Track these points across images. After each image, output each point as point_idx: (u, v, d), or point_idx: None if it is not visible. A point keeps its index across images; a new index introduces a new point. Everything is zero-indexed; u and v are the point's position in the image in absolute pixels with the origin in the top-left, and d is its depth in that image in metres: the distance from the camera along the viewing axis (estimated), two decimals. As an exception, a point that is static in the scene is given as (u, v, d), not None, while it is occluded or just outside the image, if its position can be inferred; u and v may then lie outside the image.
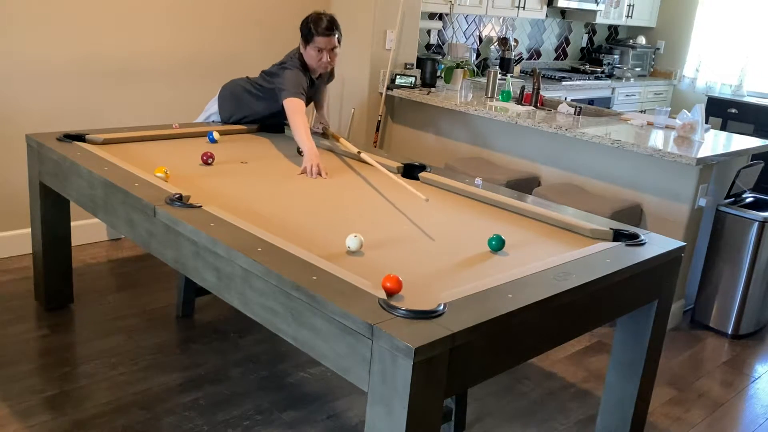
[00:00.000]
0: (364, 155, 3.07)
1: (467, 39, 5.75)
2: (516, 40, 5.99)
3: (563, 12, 6.45)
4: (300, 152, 3.16)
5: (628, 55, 6.80)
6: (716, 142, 3.66)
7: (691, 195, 3.40)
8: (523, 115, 3.95)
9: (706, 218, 3.64)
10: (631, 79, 6.54)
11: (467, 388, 2.55)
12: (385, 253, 2.08)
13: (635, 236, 2.32)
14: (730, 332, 3.64)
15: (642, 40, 6.98)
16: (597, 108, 4.69)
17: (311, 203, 2.50)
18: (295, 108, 3.14)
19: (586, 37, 6.91)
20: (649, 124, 4.03)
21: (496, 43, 5.91)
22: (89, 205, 2.70)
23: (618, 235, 2.36)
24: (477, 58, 5.88)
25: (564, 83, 5.70)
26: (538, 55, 6.48)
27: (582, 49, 6.93)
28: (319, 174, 2.87)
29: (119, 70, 3.93)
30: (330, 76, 3.67)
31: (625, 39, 7.10)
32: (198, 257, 2.13)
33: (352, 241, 2.04)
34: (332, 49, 3.24)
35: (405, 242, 2.18)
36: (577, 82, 5.85)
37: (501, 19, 5.96)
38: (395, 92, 4.55)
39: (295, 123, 3.10)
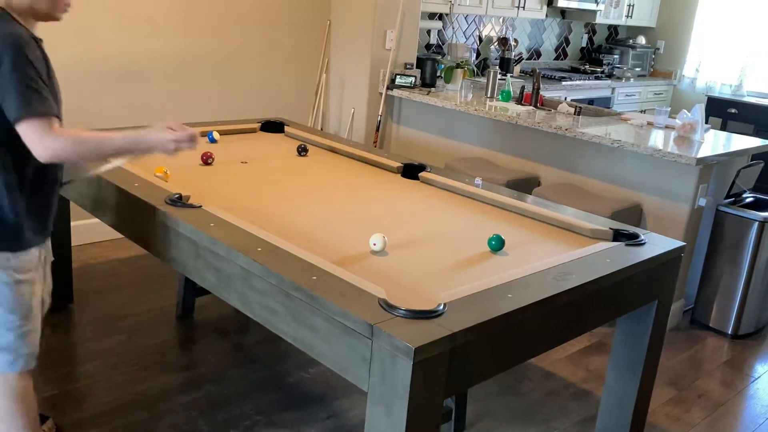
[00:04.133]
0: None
1: (467, 39, 5.75)
2: (516, 40, 5.99)
3: (563, 12, 6.45)
4: (300, 152, 3.14)
5: (628, 55, 6.79)
6: (716, 142, 3.66)
7: (691, 195, 3.39)
8: (523, 115, 3.95)
9: (706, 218, 3.64)
10: (631, 79, 6.53)
11: (467, 388, 2.55)
12: (386, 252, 2.08)
13: (635, 236, 2.32)
14: (730, 332, 3.63)
15: (642, 40, 6.97)
16: (597, 108, 4.69)
17: (311, 203, 2.50)
18: (56, 136, 1.79)
19: (586, 37, 6.91)
20: (649, 124, 4.03)
21: (496, 43, 5.91)
22: (89, 205, 2.69)
23: (618, 235, 2.36)
24: (477, 58, 5.88)
25: (564, 83, 5.70)
26: (538, 55, 6.48)
27: (582, 49, 6.93)
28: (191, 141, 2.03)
29: (119, 70, 3.93)
30: None
31: (625, 39, 7.10)
32: (198, 257, 2.13)
33: (378, 240, 2.05)
34: None
35: (405, 242, 2.18)
36: (577, 82, 5.85)
37: (501, 19, 5.96)
38: (395, 92, 4.55)
39: (83, 143, 1.84)
